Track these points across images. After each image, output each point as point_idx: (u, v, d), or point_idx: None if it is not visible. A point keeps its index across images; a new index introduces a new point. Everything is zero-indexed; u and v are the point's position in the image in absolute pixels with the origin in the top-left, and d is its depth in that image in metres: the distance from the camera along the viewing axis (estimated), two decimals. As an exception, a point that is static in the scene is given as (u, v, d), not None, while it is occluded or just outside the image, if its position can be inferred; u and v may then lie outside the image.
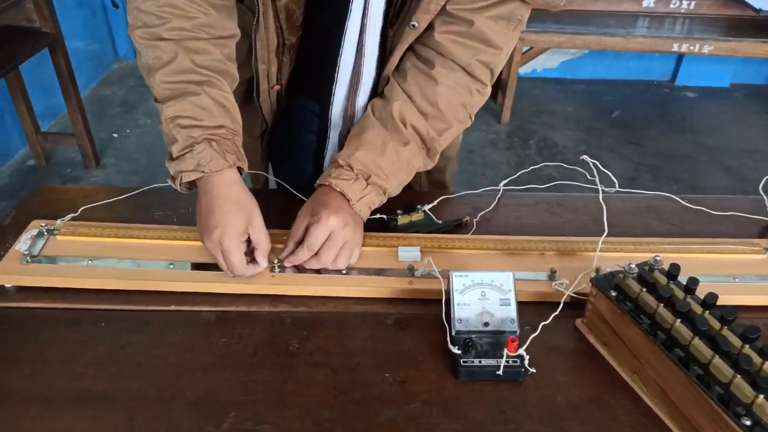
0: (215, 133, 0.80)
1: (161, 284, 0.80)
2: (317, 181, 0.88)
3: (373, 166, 0.86)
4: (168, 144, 0.81)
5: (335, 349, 0.74)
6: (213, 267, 0.82)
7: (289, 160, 1.12)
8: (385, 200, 0.89)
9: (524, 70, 3.35)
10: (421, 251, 0.86)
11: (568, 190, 1.06)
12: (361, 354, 0.73)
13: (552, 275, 0.82)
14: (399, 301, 0.81)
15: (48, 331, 0.75)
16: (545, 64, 3.57)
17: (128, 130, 2.96)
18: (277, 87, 0.99)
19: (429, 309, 0.79)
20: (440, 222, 0.94)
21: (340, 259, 0.82)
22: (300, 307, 0.80)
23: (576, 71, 3.60)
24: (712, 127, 2.95)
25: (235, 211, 0.79)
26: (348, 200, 0.84)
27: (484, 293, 0.74)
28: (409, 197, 0.97)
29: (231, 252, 0.77)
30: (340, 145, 0.98)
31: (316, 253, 0.81)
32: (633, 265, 0.71)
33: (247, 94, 1.01)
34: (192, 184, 0.82)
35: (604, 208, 0.81)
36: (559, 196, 1.03)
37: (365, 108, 0.94)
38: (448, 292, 0.76)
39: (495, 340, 0.72)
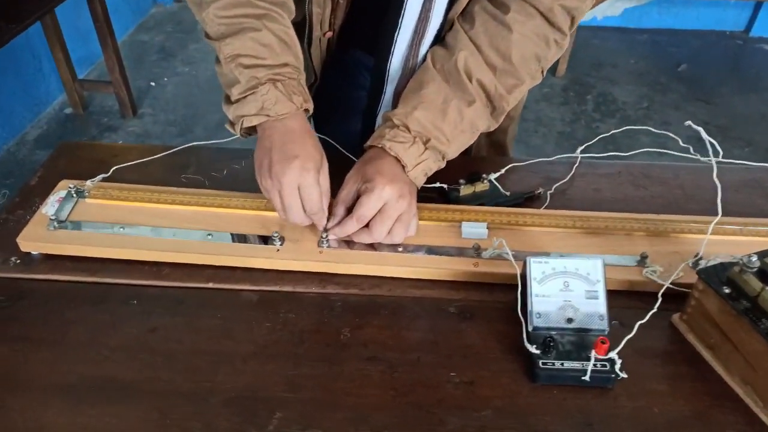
0: (280, 72, 0.71)
1: (198, 257, 0.72)
2: (368, 142, 0.77)
3: (433, 128, 0.74)
4: (226, 85, 0.72)
5: (391, 341, 0.64)
6: (255, 240, 0.74)
7: (336, 118, 1.01)
8: (443, 166, 0.78)
9: (583, 18, 3.11)
10: (488, 227, 0.75)
11: (656, 159, 0.92)
12: (421, 348, 0.64)
13: (642, 261, 0.71)
14: (462, 285, 0.71)
15: (74, 309, 0.68)
16: (606, 11, 3.32)
17: (166, 79, 2.88)
18: (329, 33, 0.88)
19: (497, 296, 0.70)
20: (508, 194, 0.82)
21: (395, 233, 0.72)
22: (351, 288, 0.71)
23: (640, 20, 3.33)
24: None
25: (315, 146, 0.71)
26: (403, 166, 0.74)
27: (567, 283, 0.63)
28: (467, 163, 0.85)
29: (311, 186, 0.69)
30: (395, 101, 0.86)
31: (367, 226, 0.72)
32: (753, 258, 0.59)
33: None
34: (252, 129, 0.73)
35: (719, 186, 0.68)
36: (643, 166, 0.90)
37: (426, 51, 0.83)
38: (523, 278, 0.65)
39: (580, 340, 0.62)
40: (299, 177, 0.68)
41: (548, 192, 0.83)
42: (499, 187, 0.83)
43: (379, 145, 0.74)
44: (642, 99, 2.61)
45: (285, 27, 0.73)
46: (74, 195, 0.79)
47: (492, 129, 0.81)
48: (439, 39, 0.82)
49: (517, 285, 0.68)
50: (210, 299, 0.69)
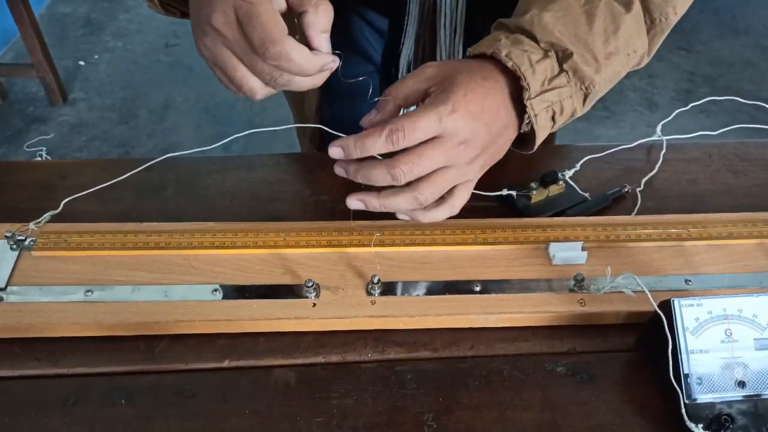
0: None
1: (205, 325, 0.52)
2: (471, 49, 0.50)
3: (574, 39, 0.49)
4: None
5: (496, 429, 0.47)
6: (281, 293, 0.54)
7: (342, 96, 0.79)
8: (579, 113, 0.51)
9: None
10: (582, 248, 0.58)
11: (743, 135, 0.76)
12: (539, 434, 0.46)
13: (794, 280, 0.55)
14: (564, 331, 0.54)
15: (28, 420, 0.47)
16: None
17: (96, 56, 2.54)
18: None
19: (613, 342, 0.53)
20: (587, 195, 0.65)
21: (444, 204, 0.48)
22: (420, 350, 0.52)
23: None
24: (769, 26, 2.61)
25: None
26: (521, 88, 0.47)
27: (729, 332, 0.47)
28: (519, 160, 0.67)
29: (261, 5, 0.41)
30: (416, 52, 0.66)
31: (409, 184, 0.46)
32: None
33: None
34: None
35: None
36: (735, 145, 0.73)
37: None
38: (654, 319, 0.48)
39: (755, 409, 0.45)
40: (234, 13, 0.41)
41: (637, 189, 0.66)
42: (576, 187, 0.65)
43: (489, 52, 0.48)
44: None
45: None
46: (13, 247, 0.56)
47: (644, 63, 0.55)
48: None
49: (638, 323, 0.52)
50: (230, 385, 0.50)
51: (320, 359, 0.52)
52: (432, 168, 0.45)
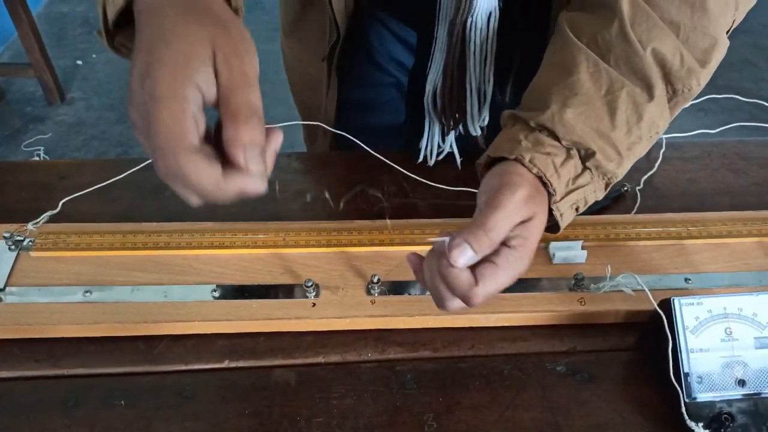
0: None
1: (203, 325, 0.52)
2: (491, 150, 0.48)
3: (596, 136, 0.46)
4: None
5: (497, 429, 0.47)
6: (280, 292, 0.54)
7: (363, 104, 0.77)
8: (601, 198, 0.51)
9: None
10: (582, 247, 0.57)
11: (745, 134, 0.76)
12: (540, 434, 0.46)
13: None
14: (564, 330, 0.54)
15: (28, 421, 0.46)
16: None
17: (94, 56, 2.53)
18: None
19: (613, 341, 0.53)
20: (587, 194, 0.64)
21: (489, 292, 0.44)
22: (421, 349, 0.52)
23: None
24: None
25: (194, 16, 0.35)
26: (549, 193, 0.46)
27: (729, 330, 0.47)
28: None
29: (162, 103, 0.33)
30: (445, 78, 0.64)
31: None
32: None
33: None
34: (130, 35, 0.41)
35: None
36: (734, 144, 0.73)
37: (494, 14, 0.59)
38: (657, 320, 0.48)
39: (755, 408, 0.45)
40: (146, 91, 0.34)
41: (636, 188, 0.66)
42: (576, 186, 0.65)
43: (512, 156, 0.46)
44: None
45: None
46: (12, 247, 0.56)
47: (665, 128, 0.52)
48: None
49: (638, 322, 0.52)
50: (230, 386, 0.50)
51: (320, 359, 0.51)
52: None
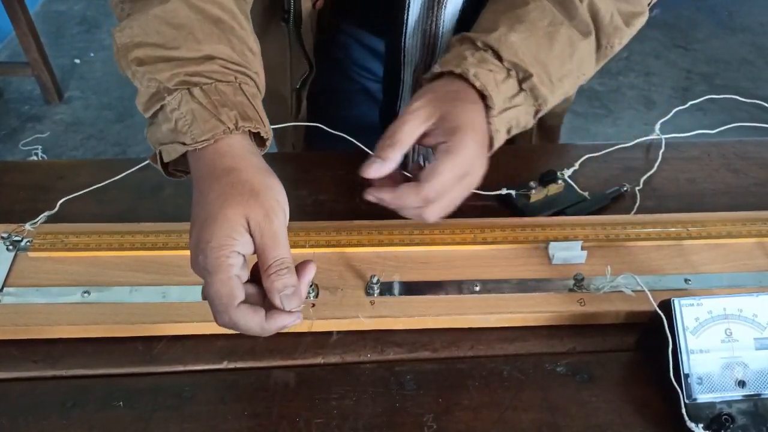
0: (198, 71, 0.45)
1: (202, 326, 0.52)
2: (438, 66, 0.53)
3: (534, 60, 0.52)
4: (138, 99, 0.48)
5: (497, 430, 0.47)
6: (279, 294, 0.54)
7: (338, 117, 0.80)
8: (530, 125, 0.56)
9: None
10: (582, 247, 0.57)
11: (745, 134, 0.76)
12: (540, 435, 0.46)
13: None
14: (564, 330, 0.54)
15: (26, 423, 0.46)
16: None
17: (92, 54, 2.52)
18: (320, 2, 0.67)
19: (613, 342, 0.53)
20: (586, 194, 0.65)
21: (443, 202, 0.50)
22: (420, 350, 0.52)
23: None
24: (766, 24, 2.61)
25: (231, 196, 0.42)
26: (487, 107, 0.51)
27: (729, 331, 0.47)
28: (515, 154, 0.66)
29: (216, 275, 0.41)
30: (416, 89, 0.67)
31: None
32: None
33: (267, 20, 0.68)
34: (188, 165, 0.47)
35: None
36: (733, 144, 0.73)
37: (454, 18, 0.63)
38: (654, 319, 0.48)
39: (755, 408, 0.45)
40: (200, 264, 0.41)
41: (636, 188, 0.66)
42: (575, 186, 0.65)
43: (458, 71, 0.51)
44: (621, 49, 2.47)
45: (220, 1, 0.48)
46: (9, 248, 0.56)
47: (587, 79, 0.58)
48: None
49: (638, 323, 0.52)
50: (229, 387, 0.49)
51: (319, 360, 0.51)
52: (458, 196, 0.50)
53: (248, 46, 0.49)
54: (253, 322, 0.42)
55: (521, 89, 0.52)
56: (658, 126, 0.72)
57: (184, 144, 0.44)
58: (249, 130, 0.46)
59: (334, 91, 0.79)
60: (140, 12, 0.46)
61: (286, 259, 0.42)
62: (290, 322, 0.43)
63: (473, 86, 0.50)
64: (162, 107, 0.45)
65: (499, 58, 0.51)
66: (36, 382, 0.49)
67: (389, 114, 0.72)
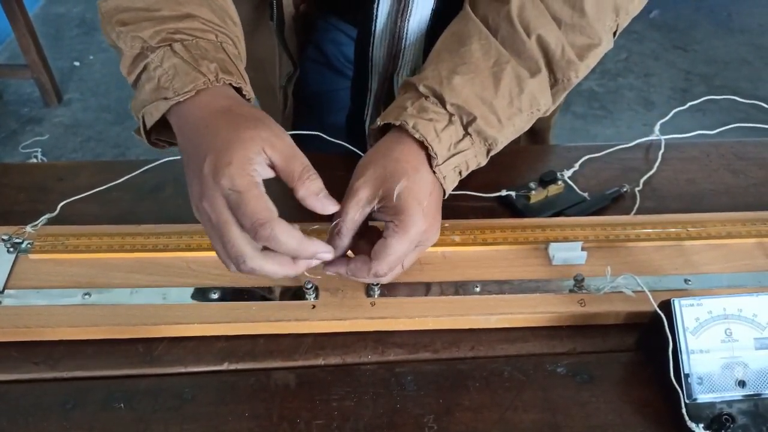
0: (178, 28, 0.47)
1: (203, 327, 0.52)
2: (380, 118, 0.52)
3: (479, 102, 0.50)
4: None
5: (496, 430, 0.47)
6: (280, 294, 0.54)
7: (323, 116, 0.81)
8: (483, 163, 0.54)
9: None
10: (582, 248, 0.57)
11: (744, 134, 0.76)
12: (541, 436, 0.46)
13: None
14: (564, 331, 0.54)
15: (26, 425, 0.46)
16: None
17: (91, 57, 2.52)
18: (303, 5, 0.67)
19: (613, 342, 0.53)
20: (586, 195, 0.65)
21: (395, 270, 0.49)
22: (420, 351, 0.52)
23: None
24: (765, 24, 2.61)
25: (239, 124, 0.43)
26: (429, 156, 0.50)
27: (729, 331, 0.47)
28: (508, 155, 0.66)
29: (249, 192, 0.41)
30: (386, 104, 0.67)
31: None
32: None
33: (257, 16, 0.69)
34: (171, 134, 0.48)
35: None
36: (733, 144, 0.73)
37: (420, 32, 0.63)
38: (657, 322, 0.48)
39: (755, 408, 0.46)
40: (226, 187, 0.41)
41: (635, 189, 0.66)
42: (575, 187, 0.65)
43: (397, 123, 0.50)
44: (620, 50, 2.46)
45: None
46: (10, 250, 0.56)
47: (548, 112, 0.56)
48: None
49: (638, 323, 0.52)
50: (229, 388, 0.49)
51: (320, 361, 0.51)
52: (412, 260, 0.50)
53: (229, 14, 0.51)
54: (292, 235, 0.42)
55: (467, 133, 0.51)
56: (657, 127, 0.72)
57: (166, 99, 0.45)
58: (231, 85, 0.47)
59: (323, 92, 0.80)
60: None
61: (311, 166, 0.44)
62: (322, 251, 0.45)
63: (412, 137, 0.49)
64: (145, 67, 0.46)
65: (443, 101, 0.50)
66: (36, 384, 0.49)
67: (357, 122, 0.73)
